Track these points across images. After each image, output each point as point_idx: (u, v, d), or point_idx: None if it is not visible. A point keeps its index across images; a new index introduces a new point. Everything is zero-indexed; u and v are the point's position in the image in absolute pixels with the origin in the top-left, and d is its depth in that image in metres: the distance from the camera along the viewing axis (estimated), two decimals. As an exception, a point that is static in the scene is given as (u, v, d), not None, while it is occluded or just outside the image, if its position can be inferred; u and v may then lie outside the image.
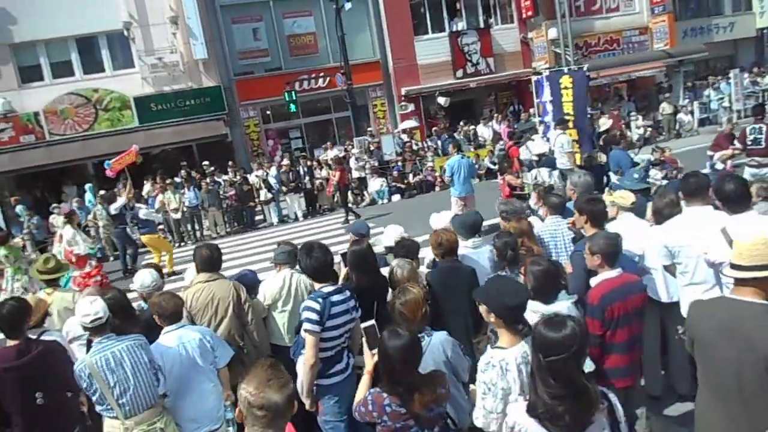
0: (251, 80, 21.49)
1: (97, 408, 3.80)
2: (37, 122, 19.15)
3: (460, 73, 23.47)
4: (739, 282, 2.64)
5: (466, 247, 4.97)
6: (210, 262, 4.73)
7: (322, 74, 22.09)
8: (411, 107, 22.22)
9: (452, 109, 24.12)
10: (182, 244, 15.24)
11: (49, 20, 18.72)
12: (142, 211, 12.83)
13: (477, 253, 4.85)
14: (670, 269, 4.54)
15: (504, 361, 2.74)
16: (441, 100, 21.74)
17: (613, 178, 9.89)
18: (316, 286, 4.03)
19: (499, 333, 2.92)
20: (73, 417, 4.14)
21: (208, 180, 15.74)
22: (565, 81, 11.71)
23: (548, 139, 11.48)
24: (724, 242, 3.89)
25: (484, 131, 19.57)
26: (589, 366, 3.46)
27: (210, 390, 4.18)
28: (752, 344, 2.55)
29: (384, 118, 23.27)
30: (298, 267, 4.63)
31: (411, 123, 21.70)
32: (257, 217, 16.70)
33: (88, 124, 19.65)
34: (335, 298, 3.89)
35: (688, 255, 4.32)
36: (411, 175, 17.40)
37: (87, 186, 17.88)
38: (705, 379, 2.80)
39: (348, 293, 4.00)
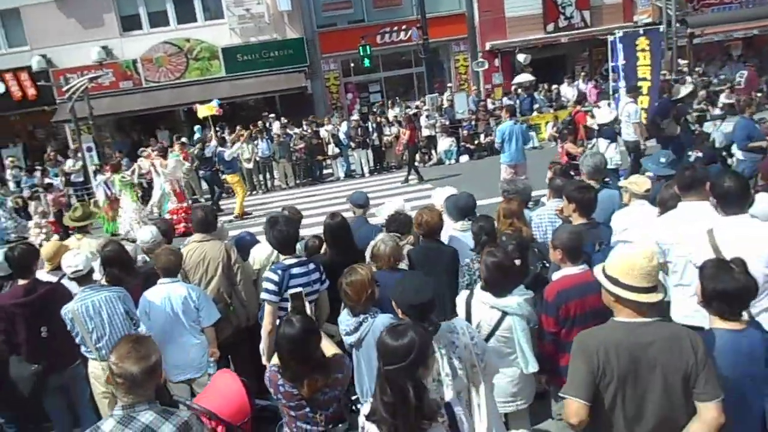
0: (333, 32, 21.57)
1: (82, 349, 4.24)
2: (135, 69, 20.48)
3: (551, 26, 22.21)
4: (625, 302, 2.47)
5: (455, 229, 4.89)
6: (204, 223, 5.00)
7: (404, 27, 21.74)
8: (485, 65, 21.39)
9: (541, 66, 22.99)
10: (253, 192, 15.99)
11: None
12: (227, 153, 13.58)
13: (465, 235, 4.70)
14: (662, 267, 4.25)
15: None
16: (521, 57, 20.74)
17: (738, 154, 8.83)
18: (281, 257, 4.17)
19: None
20: (74, 351, 4.61)
21: (279, 132, 16.22)
22: (642, 43, 10.78)
23: (616, 107, 10.73)
24: (708, 245, 3.59)
25: (567, 91, 18.52)
26: (532, 366, 3.39)
27: (192, 344, 4.51)
28: (663, 369, 2.40)
29: (466, 73, 22.67)
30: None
31: (526, 77, 20.49)
32: (326, 171, 17.08)
33: (179, 72, 20.76)
34: (295, 270, 3.99)
35: (678, 254, 4.01)
36: (483, 136, 16.95)
37: (196, 128, 18.48)
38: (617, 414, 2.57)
39: (313, 266, 4.10)
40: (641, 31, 11.38)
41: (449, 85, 21.77)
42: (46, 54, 19.93)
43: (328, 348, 3.01)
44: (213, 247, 4.94)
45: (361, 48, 19.16)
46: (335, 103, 22.02)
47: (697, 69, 18.80)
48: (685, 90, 11.16)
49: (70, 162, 16.13)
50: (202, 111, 14.38)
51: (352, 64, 22.43)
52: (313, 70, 21.69)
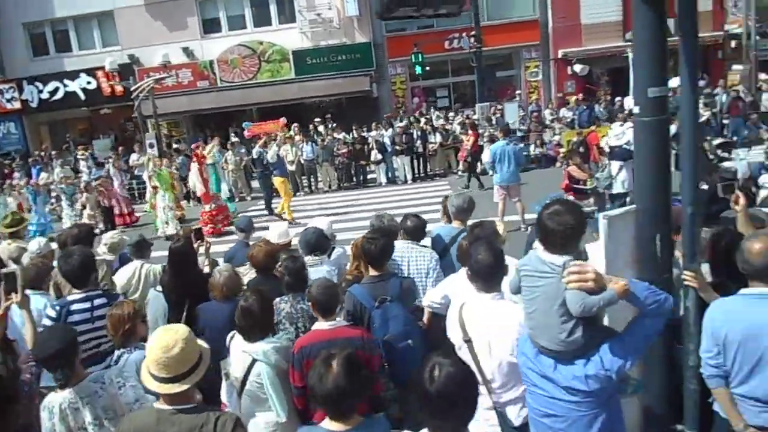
0: (402, 37, 21.64)
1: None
2: (211, 69, 21.78)
3: (630, 35, 20.86)
4: None
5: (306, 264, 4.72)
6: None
7: (473, 33, 21.38)
8: (539, 74, 20.66)
9: (617, 76, 21.77)
10: (297, 194, 16.51)
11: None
12: (269, 154, 13.92)
13: (314, 271, 4.33)
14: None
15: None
16: (577, 68, 19.69)
17: None
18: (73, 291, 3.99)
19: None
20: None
21: (315, 136, 16.68)
22: None
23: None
24: (457, 322, 3.16)
25: (630, 104, 17.31)
26: (282, 414, 3.18)
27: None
28: None
29: (536, 81, 21.95)
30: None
31: (739, 69, 19.25)
32: (371, 176, 17.28)
33: (252, 73, 21.80)
34: (76, 306, 3.82)
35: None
36: (532, 147, 16.39)
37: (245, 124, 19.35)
38: None
39: (101, 300, 3.88)
40: None
41: (518, 92, 21.22)
42: (134, 54, 21.68)
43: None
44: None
45: (413, 55, 19.17)
46: (401, 106, 22.14)
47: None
48: (701, 117, 10.19)
49: (134, 156, 17.45)
50: (262, 129, 15.25)
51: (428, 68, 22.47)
52: (380, 74, 21.95)
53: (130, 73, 21.18)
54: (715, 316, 2.83)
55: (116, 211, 14.54)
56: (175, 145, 18.62)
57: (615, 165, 9.75)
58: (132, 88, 17.16)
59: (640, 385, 2.70)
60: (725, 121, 16.66)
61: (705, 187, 9.11)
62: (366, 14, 21.45)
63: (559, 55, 21.30)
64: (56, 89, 22.21)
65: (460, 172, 16.87)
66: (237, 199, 16.72)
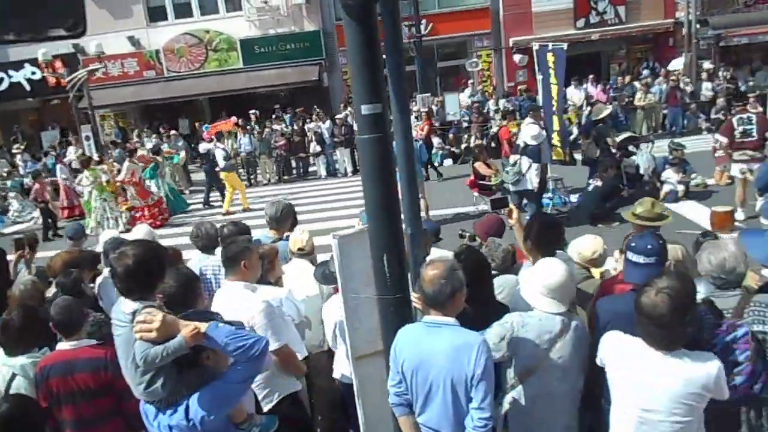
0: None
1: None
2: (158, 59, 21.39)
3: (581, 22, 20.78)
4: None
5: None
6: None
7: (423, 21, 21.13)
8: (478, 65, 20.54)
9: (572, 65, 21.57)
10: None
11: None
12: (217, 152, 13.62)
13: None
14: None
15: None
16: (517, 58, 19.46)
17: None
18: None
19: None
20: None
21: (260, 128, 16.44)
22: (550, 59, 9.80)
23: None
24: None
25: (573, 94, 17.24)
26: None
27: None
28: None
29: (489, 70, 21.75)
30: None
31: (679, 62, 18.75)
32: (311, 168, 17.09)
33: (199, 63, 21.43)
34: None
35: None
36: (472, 139, 16.23)
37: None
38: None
39: None
40: (549, 46, 10.32)
41: (470, 82, 21.02)
42: (79, 43, 21.19)
43: None
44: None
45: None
46: (351, 96, 21.86)
47: (723, 74, 16.85)
48: (605, 111, 10.09)
49: (71, 149, 17.18)
50: (218, 128, 15.05)
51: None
52: (331, 63, 21.66)
53: (76, 63, 20.76)
54: (397, 343, 2.74)
55: (60, 204, 14.51)
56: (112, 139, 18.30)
57: (525, 161, 9.61)
58: (65, 80, 16.81)
59: (269, 424, 2.58)
60: (664, 111, 16.62)
61: (599, 183, 9.10)
62: (315, 2, 21.10)
63: (510, 44, 21.09)
64: (1, 80, 21.76)
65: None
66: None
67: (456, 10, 21.23)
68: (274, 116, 18.14)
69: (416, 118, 16.57)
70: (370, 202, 3.31)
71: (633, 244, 2.88)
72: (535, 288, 2.86)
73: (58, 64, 21.25)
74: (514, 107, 16.77)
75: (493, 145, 14.78)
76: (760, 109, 9.84)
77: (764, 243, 3.23)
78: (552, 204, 9.70)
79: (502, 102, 17.21)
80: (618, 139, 9.70)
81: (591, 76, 18.68)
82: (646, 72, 18.51)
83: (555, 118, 9.75)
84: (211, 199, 14.68)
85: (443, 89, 21.29)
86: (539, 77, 10.14)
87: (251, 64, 21.31)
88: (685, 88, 16.34)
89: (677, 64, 17.94)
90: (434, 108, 16.80)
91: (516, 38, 20.97)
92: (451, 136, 16.10)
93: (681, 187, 9.50)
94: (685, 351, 2.35)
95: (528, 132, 9.71)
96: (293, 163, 16.81)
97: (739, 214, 7.70)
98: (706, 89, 16.39)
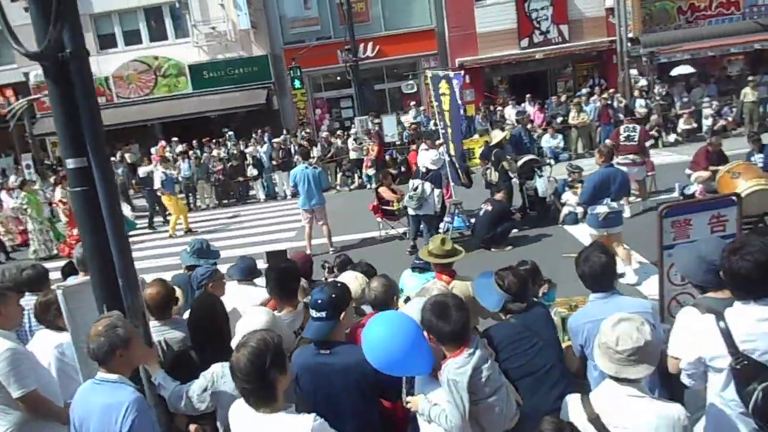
0: (300, 49, 21.56)
1: None
2: (108, 86, 21.51)
3: (525, 42, 21.10)
4: None
5: None
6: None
7: (370, 43, 21.44)
8: (415, 88, 20.83)
9: (518, 84, 21.93)
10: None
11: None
12: (156, 174, 13.79)
13: None
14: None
15: None
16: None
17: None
18: None
19: None
20: None
21: (198, 153, 16.51)
22: (443, 86, 9.96)
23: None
24: None
25: (511, 114, 17.45)
26: None
27: None
28: None
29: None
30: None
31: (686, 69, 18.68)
32: (251, 192, 17.17)
33: (149, 88, 21.57)
34: None
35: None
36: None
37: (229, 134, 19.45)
38: None
39: None
40: (441, 74, 10.51)
41: (412, 103, 21.27)
42: (30, 71, 21.31)
43: None
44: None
45: (291, 70, 19.17)
46: (302, 118, 22.09)
47: (658, 90, 17.13)
48: (500, 135, 10.24)
49: (12, 178, 17.20)
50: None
51: (319, 81, 22.47)
52: (280, 86, 21.85)
53: (27, 91, 20.85)
54: (74, 400, 2.81)
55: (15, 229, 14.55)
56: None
57: (428, 186, 9.71)
58: (5, 110, 16.88)
59: None
60: (599, 129, 16.84)
61: (489, 208, 9.19)
62: (263, 27, 21.35)
63: (456, 64, 21.33)
64: (-47, 108, 21.80)
65: (338, 186, 16.86)
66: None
67: (403, 32, 21.54)
68: (214, 141, 18.21)
69: (355, 140, 16.78)
70: (86, 253, 3.38)
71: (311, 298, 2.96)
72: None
73: (9, 92, 21.46)
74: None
75: (402, 169, 14.93)
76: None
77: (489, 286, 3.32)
78: (453, 228, 9.79)
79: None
80: (519, 163, 9.84)
81: (528, 96, 18.93)
82: (585, 90, 18.76)
83: (450, 144, 9.88)
84: (155, 222, 14.80)
85: (392, 110, 21.55)
86: (435, 103, 10.27)
87: (201, 89, 21.48)
88: (620, 106, 16.57)
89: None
90: (373, 129, 16.92)
91: (462, 59, 21.26)
92: (387, 157, 16.23)
93: (580, 209, 9.62)
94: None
95: (427, 157, 9.86)
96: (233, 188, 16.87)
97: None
98: (640, 106, 16.63)
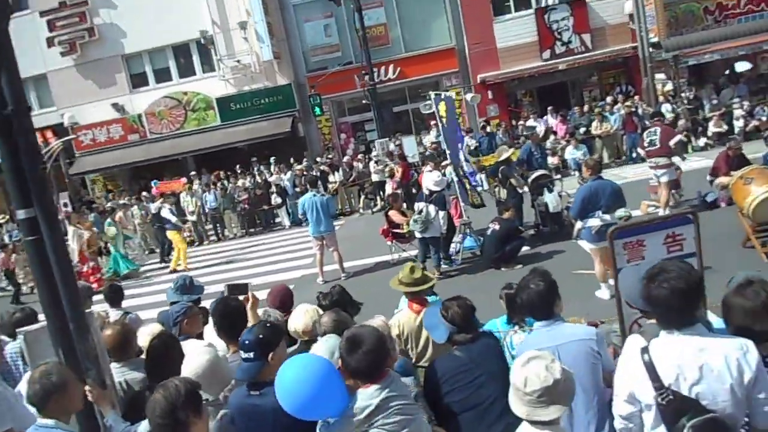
0: (322, 75, 21.90)
1: None
2: (141, 123, 22.34)
3: (547, 54, 20.86)
4: None
5: None
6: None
7: (391, 65, 21.64)
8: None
9: (543, 96, 21.68)
10: (199, 243, 16.75)
11: (151, 32, 21.36)
12: (164, 211, 14.35)
13: None
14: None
15: None
16: (468, 97, 18.73)
17: None
18: None
19: None
20: None
21: (226, 184, 16.89)
22: (441, 108, 9.87)
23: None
24: None
25: (535, 125, 17.20)
26: None
27: None
28: None
29: (460, 107, 21.91)
30: None
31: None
32: (277, 219, 17.41)
33: (179, 123, 22.29)
34: None
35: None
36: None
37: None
38: None
39: None
40: (442, 95, 10.42)
41: (433, 123, 21.19)
42: (64, 113, 22.32)
43: None
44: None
45: (310, 98, 19.43)
46: (328, 143, 22.37)
47: (686, 94, 16.59)
48: (506, 152, 10.05)
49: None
50: (169, 187, 15.65)
51: (343, 106, 22.77)
52: (305, 113, 22.21)
53: (65, 132, 21.88)
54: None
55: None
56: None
57: (432, 208, 9.66)
58: (44, 151, 17.69)
59: None
60: (624, 137, 16.42)
61: (497, 227, 9.04)
62: (286, 57, 21.82)
63: (478, 80, 21.29)
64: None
65: (360, 209, 16.93)
66: (147, 252, 17.09)
67: (423, 53, 21.64)
68: (239, 171, 18.59)
69: (376, 162, 16.86)
70: (41, 299, 3.49)
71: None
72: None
73: (49, 133, 22.50)
74: (477, 143, 16.85)
75: (414, 191, 14.85)
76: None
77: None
78: (463, 248, 9.67)
79: (466, 138, 17.31)
80: (531, 178, 9.67)
81: (550, 108, 18.64)
82: (609, 99, 18.35)
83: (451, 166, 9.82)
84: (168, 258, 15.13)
85: (417, 131, 21.61)
86: (439, 124, 10.23)
87: (228, 121, 22.05)
88: (645, 113, 16.12)
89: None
90: (394, 151, 16.97)
91: (483, 74, 21.20)
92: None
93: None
94: None
95: (430, 178, 9.81)
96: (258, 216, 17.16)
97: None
98: (666, 110, 16.13)
